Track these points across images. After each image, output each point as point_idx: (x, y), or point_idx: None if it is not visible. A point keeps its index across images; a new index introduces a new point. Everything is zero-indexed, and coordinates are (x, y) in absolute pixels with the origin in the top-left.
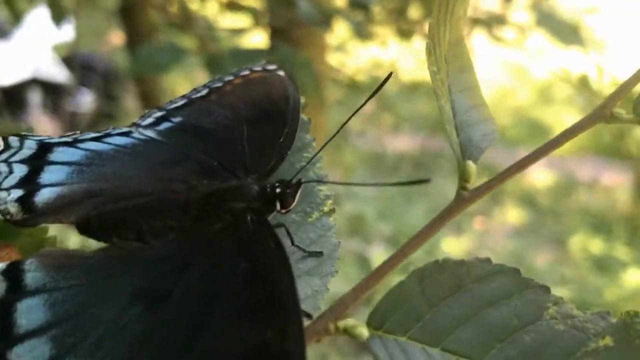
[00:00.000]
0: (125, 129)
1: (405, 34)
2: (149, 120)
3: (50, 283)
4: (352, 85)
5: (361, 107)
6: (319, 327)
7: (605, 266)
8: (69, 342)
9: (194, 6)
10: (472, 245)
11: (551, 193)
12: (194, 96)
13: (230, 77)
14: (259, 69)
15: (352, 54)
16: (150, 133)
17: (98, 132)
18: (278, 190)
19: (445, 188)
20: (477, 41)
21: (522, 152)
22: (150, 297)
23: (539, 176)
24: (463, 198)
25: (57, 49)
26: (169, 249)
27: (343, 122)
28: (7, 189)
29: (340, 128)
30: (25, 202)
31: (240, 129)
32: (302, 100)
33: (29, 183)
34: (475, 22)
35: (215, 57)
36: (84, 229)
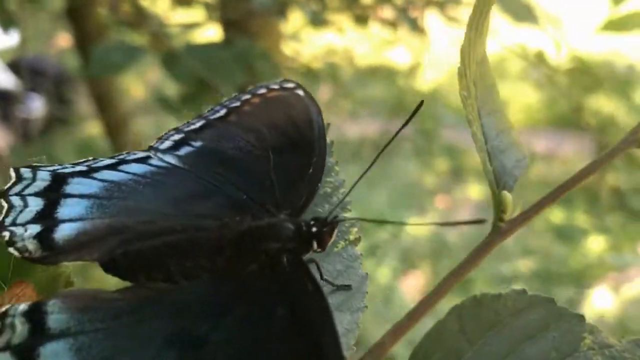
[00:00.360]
0: (142, 154)
1: (360, 19)
2: (167, 144)
3: (75, 326)
4: (309, 74)
5: (401, 128)
6: None
7: (567, 235)
8: None
9: (144, 3)
10: (438, 226)
11: None
12: (211, 117)
13: (248, 96)
14: (276, 87)
15: (306, 42)
16: (170, 159)
17: (112, 158)
18: (314, 229)
19: (407, 170)
20: (430, 20)
21: None
22: (185, 342)
23: None
24: (501, 231)
25: (1, 55)
26: (202, 291)
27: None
28: (23, 224)
29: (387, 144)
30: (44, 238)
31: (266, 157)
32: (325, 123)
33: (47, 218)
34: (429, 2)
35: (170, 54)
36: (109, 267)
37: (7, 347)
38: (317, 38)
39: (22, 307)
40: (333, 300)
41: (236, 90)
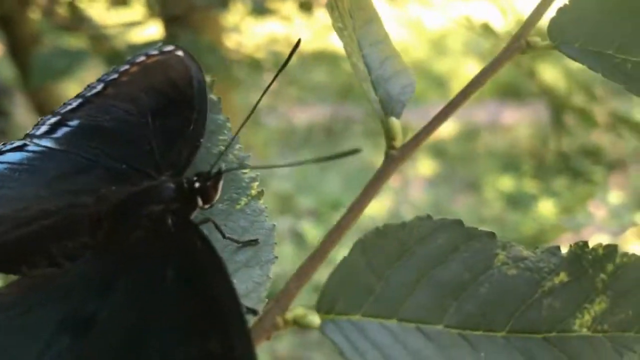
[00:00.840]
0: (18, 143)
1: (305, 6)
2: (44, 129)
3: None
4: (253, 64)
5: (273, 81)
6: (266, 324)
7: (518, 202)
8: None
9: (80, 5)
10: (392, 204)
11: (457, 141)
12: (88, 94)
13: (126, 66)
14: (155, 52)
15: (248, 33)
16: (47, 142)
17: None
18: (197, 184)
19: (359, 154)
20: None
21: (428, 108)
22: (75, 326)
23: (443, 127)
24: (393, 158)
25: None
26: (87, 270)
27: (251, 101)
28: None
29: (256, 105)
30: None
31: (145, 123)
32: (208, 78)
33: None
34: None
35: (114, 55)
36: None
37: None
38: (259, 28)
39: None
40: (241, 257)
41: None
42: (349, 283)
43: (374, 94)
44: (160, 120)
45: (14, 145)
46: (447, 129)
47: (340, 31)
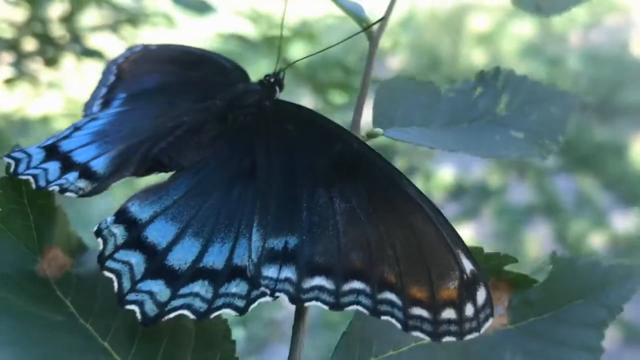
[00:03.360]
0: (89, 117)
1: None
2: (95, 109)
3: (160, 207)
4: None
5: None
6: None
7: None
8: (207, 229)
9: None
10: None
11: None
12: (109, 82)
13: (121, 60)
14: (137, 48)
15: None
16: (111, 111)
17: (63, 132)
18: (272, 80)
19: None
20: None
21: None
22: (243, 173)
23: None
24: (373, 36)
25: None
26: (229, 147)
27: None
28: (59, 178)
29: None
30: (88, 176)
31: (184, 73)
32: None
33: (72, 167)
34: None
35: None
36: (148, 171)
37: (116, 249)
38: None
39: (109, 218)
40: None
41: None
42: None
43: None
44: (192, 71)
45: (88, 118)
46: None
47: None
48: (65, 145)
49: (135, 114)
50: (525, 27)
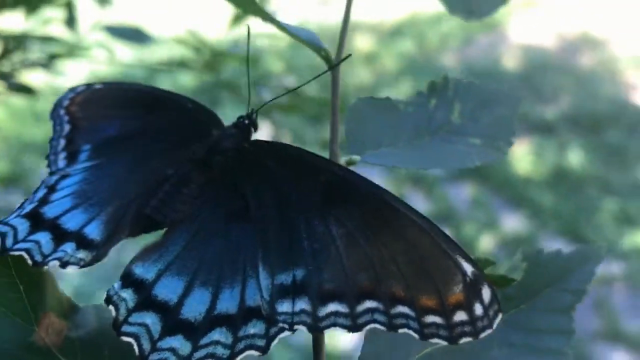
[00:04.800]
0: (59, 174)
1: None
2: (61, 164)
3: (162, 265)
4: None
5: None
6: None
7: None
8: (214, 277)
9: None
10: None
11: None
12: (64, 132)
13: (65, 102)
14: (81, 89)
15: None
16: (81, 166)
17: (36, 193)
18: (246, 122)
19: None
20: None
21: None
22: (236, 214)
23: None
24: (333, 64)
25: None
26: (216, 191)
27: None
28: (54, 251)
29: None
30: (84, 245)
31: (141, 117)
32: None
33: (65, 237)
34: None
35: None
36: (142, 231)
37: (129, 313)
38: None
39: (116, 284)
40: None
41: None
42: None
43: None
44: (156, 115)
45: (58, 175)
46: None
47: None
48: (48, 212)
49: (110, 169)
50: (405, 46)
